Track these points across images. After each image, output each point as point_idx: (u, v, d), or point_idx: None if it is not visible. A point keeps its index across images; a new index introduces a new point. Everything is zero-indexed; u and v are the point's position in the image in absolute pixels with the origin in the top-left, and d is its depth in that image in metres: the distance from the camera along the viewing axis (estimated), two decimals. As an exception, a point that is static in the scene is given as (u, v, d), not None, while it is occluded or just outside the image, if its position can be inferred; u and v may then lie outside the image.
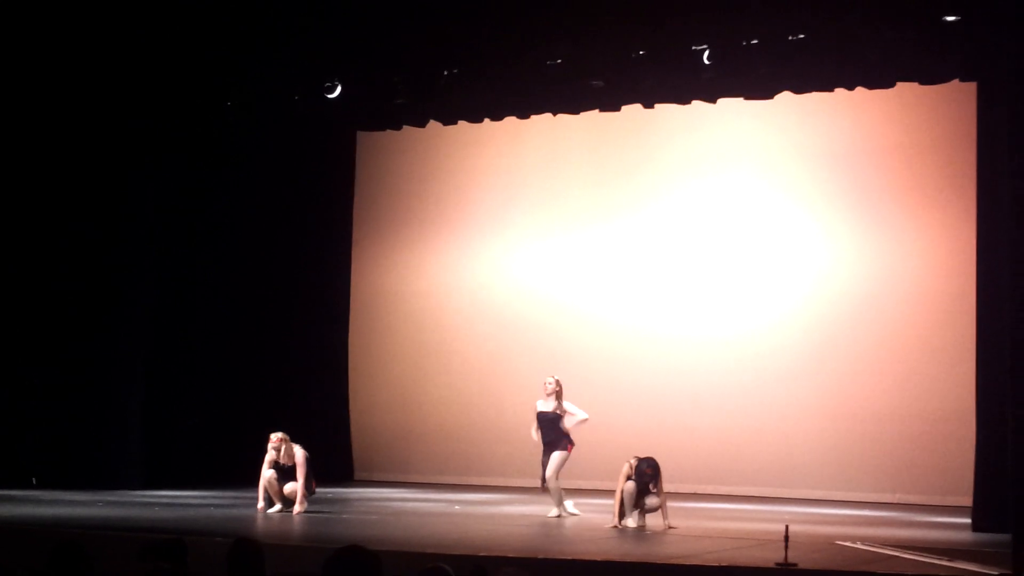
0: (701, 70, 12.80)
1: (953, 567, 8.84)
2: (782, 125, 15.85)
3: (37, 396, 15.14)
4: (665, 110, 14.68)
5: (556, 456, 12.26)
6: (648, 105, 14.19)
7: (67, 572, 6.01)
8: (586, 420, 12.38)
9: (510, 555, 9.11)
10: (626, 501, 11.47)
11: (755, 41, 12.50)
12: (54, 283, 15.21)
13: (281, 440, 12.57)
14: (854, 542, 10.40)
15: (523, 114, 14.87)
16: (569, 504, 12.59)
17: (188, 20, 14.30)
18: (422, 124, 15.58)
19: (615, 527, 11.40)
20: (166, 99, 15.01)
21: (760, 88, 13.36)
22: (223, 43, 14.44)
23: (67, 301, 15.20)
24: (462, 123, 15.57)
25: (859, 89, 13.35)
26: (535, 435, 12.46)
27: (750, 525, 11.91)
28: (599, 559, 9.28)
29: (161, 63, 14.73)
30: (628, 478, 11.48)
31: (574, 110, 14.65)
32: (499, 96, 14.23)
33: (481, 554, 9.11)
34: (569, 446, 12.33)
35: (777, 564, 8.68)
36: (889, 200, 15.48)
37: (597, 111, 14.62)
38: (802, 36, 12.29)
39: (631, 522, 11.47)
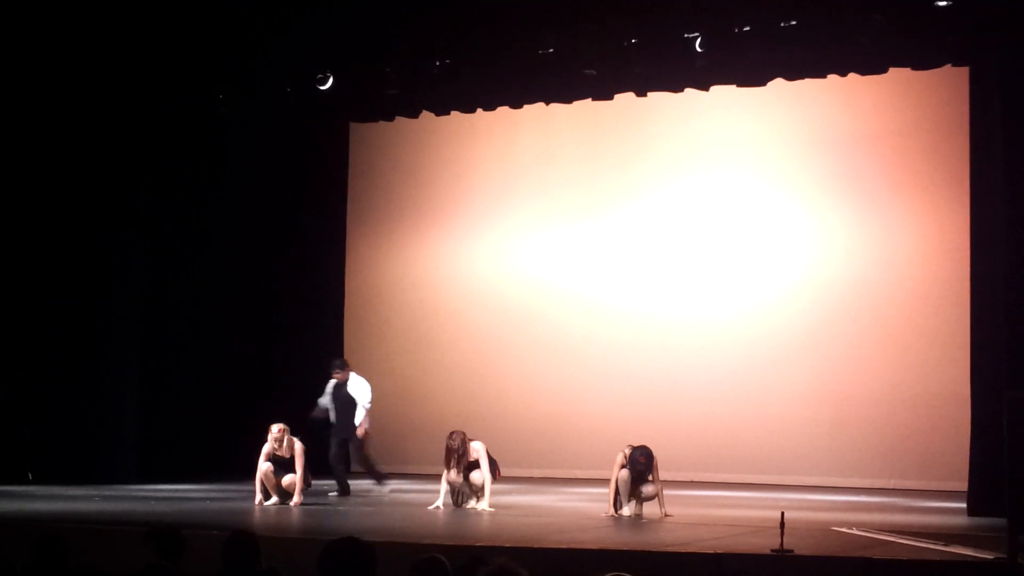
0: (694, 57, 12.78)
1: (949, 551, 8.85)
2: (775, 112, 15.84)
3: (30, 392, 15.11)
4: (658, 98, 14.67)
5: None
6: (641, 93, 14.18)
7: (48, 564, 6.02)
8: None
9: (506, 545, 9.09)
10: (621, 490, 11.46)
11: (747, 28, 12.49)
12: (45, 279, 15.15)
13: (283, 431, 12.60)
14: (850, 528, 10.40)
15: (516, 104, 14.87)
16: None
17: (177, 14, 14.26)
18: (415, 115, 15.56)
19: (611, 516, 11.40)
20: (154, 95, 14.95)
21: (753, 75, 13.34)
22: (212, 37, 14.40)
23: (58, 296, 15.15)
24: (455, 113, 15.54)
25: (851, 75, 13.35)
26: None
27: (746, 512, 11.91)
28: (595, 548, 9.26)
29: (149, 59, 14.68)
30: (622, 467, 11.48)
31: (567, 99, 14.63)
32: (492, 86, 14.21)
33: (476, 544, 9.11)
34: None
35: (773, 551, 8.68)
36: (883, 185, 15.49)
37: (590, 100, 14.59)
38: (794, 22, 12.28)
39: (627, 511, 11.47)
